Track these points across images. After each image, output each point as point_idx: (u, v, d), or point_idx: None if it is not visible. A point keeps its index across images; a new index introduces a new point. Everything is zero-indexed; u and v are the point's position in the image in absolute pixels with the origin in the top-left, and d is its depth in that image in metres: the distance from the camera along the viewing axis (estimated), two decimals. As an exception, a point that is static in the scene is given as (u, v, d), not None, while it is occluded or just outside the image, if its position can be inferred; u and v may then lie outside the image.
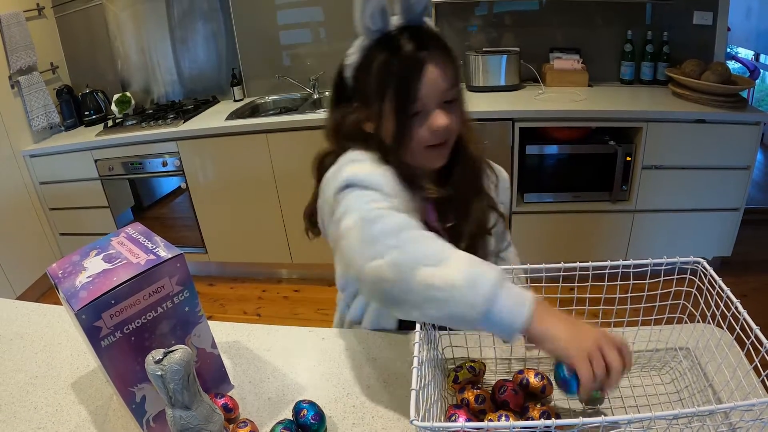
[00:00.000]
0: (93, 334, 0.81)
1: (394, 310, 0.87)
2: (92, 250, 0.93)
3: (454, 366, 0.98)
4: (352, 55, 1.08)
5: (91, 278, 0.84)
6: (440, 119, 1.03)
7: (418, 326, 0.79)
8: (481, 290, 0.76)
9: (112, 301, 0.82)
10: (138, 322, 0.86)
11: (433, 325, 0.96)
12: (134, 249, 0.91)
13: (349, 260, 0.88)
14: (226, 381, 1.06)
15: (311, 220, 1.21)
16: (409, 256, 0.81)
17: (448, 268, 0.79)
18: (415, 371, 0.69)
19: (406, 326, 1.19)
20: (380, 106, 1.04)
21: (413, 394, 0.65)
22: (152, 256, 0.87)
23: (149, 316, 0.87)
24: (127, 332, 0.85)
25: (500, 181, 1.28)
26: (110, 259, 0.89)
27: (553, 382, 0.91)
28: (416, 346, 0.74)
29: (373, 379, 1.04)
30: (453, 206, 1.18)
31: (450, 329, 1.03)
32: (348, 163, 1.05)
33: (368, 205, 0.91)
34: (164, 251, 0.89)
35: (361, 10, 1.00)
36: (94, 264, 0.88)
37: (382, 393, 1.01)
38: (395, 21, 1.03)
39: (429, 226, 1.07)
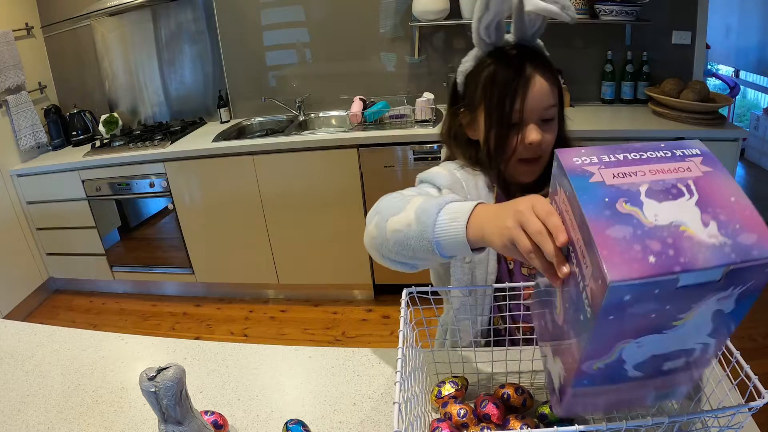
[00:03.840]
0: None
1: (386, 261, 0.99)
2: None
3: (437, 382, 1.00)
4: (466, 63, 1.15)
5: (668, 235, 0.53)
6: (533, 134, 1.08)
7: (400, 343, 0.82)
8: (428, 219, 0.86)
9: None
10: None
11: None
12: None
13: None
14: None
15: None
16: (382, 214, 0.96)
17: (405, 212, 0.91)
18: (397, 385, 0.72)
19: None
20: (483, 112, 1.11)
21: (396, 407, 0.68)
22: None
23: None
24: None
25: None
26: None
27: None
28: (399, 361, 0.77)
29: (358, 396, 1.07)
30: None
31: (432, 348, 1.06)
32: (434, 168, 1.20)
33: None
34: None
35: (477, 22, 1.06)
36: (661, 210, 0.55)
37: (367, 409, 1.03)
38: (509, 38, 1.11)
39: None
